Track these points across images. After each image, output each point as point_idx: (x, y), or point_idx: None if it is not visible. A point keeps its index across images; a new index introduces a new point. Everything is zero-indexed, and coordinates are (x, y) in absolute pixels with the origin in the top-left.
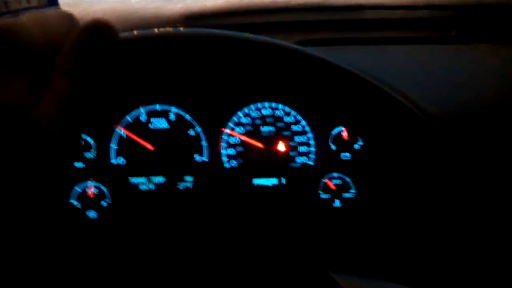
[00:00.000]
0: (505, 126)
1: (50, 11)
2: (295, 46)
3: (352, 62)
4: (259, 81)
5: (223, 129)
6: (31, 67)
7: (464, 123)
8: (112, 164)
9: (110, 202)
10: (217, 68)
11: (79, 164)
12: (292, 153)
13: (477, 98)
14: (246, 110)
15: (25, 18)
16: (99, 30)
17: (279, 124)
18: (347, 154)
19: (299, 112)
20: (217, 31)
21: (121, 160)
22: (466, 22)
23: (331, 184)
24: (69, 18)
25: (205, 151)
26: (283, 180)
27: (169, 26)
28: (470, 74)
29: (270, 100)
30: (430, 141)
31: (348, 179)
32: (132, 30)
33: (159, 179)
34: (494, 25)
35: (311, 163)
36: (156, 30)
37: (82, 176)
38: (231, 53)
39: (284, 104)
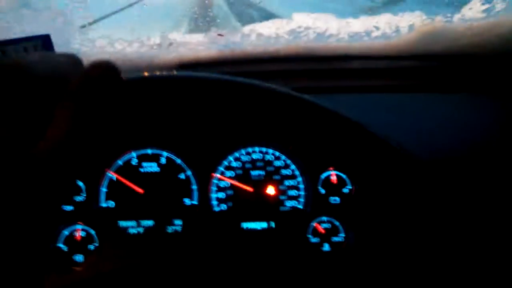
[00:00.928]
0: (486, 169)
1: (58, 54)
2: (284, 89)
3: (338, 109)
4: (250, 125)
5: (213, 173)
6: (35, 105)
7: (448, 167)
8: (101, 207)
9: (97, 245)
10: (208, 113)
11: (68, 207)
12: (281, 197)
13: (460, 144)
14: (236, 154)
15: (34, 57)
16: (104, 72)
17: (269, 168)
18: (336, 198)
19: (288, 157)
20: (208, 74)
21: (110, 203)
22: (448, 72)
23: (320, 228)
24: (76, 60)
25: (195, 195)
26: (273, 224)
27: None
28: (451, 121)
29: (260, 144)
30: (417, 184)
31: (337, 223)
32: (128, 76)
33: (148, 222)
34: (474, 74)
35: (300, 206)
36: (145, 73)
37: (71, 219)
38: (223, 97)
39: (275, 148)
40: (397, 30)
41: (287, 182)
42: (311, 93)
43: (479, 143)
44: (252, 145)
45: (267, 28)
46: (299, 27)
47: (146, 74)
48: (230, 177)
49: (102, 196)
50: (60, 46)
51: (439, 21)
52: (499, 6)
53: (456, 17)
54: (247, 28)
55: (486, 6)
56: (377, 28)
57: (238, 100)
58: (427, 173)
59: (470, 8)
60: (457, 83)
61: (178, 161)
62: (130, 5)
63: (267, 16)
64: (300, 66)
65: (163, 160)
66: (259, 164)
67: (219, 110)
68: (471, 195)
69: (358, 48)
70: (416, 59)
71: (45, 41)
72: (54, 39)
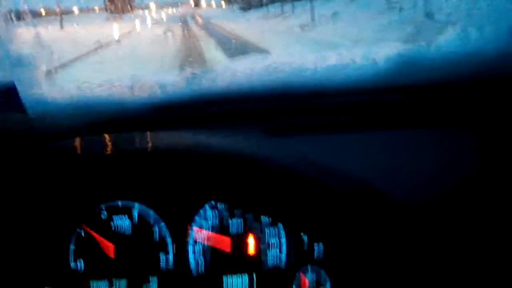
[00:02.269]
0: (470, 210)
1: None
2: (257, 157)
3: (318, 152)
4: (226, 185)
5: (189, 225)
6: None
7: (431, 209)
8: (70, 268)
9: None
10: (178, 166)
11: (34, 270)
12: (262, 247)
13: (444, 183)
14: (212, 202)
15: None
16: None
17: (248, 216)
18: (321, 246)
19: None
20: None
21: (80, 263)
22: (426, 104)
23: (305, 279)
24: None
25: (171, 250)
26: (255, 277)
27: (136, 117)
28: (433, 158)
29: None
30: (398, 229)
31: (322, 273)
32: (98, 120)
33: (122, 282)
34: (453, 107)
35: (283, 257)
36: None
37: (37, 283)
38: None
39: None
40: (374, 63)
41: (268, 230)
42: (288, 131)
43: (464, 182)
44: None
45: (242, 65)
46: (275, 62)
47: (107, 136)
48: (207, 229)
49: (71, 256)
50: (24, 92)
51: (416, 52)
52: (474, 35)
53: (433, 47)
54: (222, 66)
55: (462, 36)
56: (354, 61)
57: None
58: (409, 217)
59: (446, 39)
60: (436, 116)
61: (152, 213)
62: (98, 48)
63: (242, 51)
64: (275, 104)
65: (135, 213)
66: (237, 212)
67: (189, 167)
68: (453, 237)
69: (334, 82)
70: (394, 91)
71: (8, 89)
72: (18, 85)
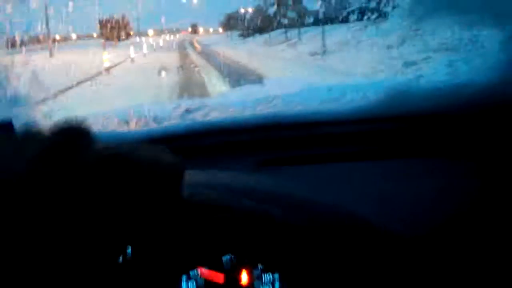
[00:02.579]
0: (467, 242)
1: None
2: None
3: (312, 185)
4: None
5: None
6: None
7: (430, 242)
8: None
9: None
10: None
11: None
12: (256, 284)
13: (437, 217)
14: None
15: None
16: None
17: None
18: None
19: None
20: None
21: None
22: (416, 134)
23: None
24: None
25: None
26: None
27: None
28: (429, 190)
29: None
30: (398, 262)
31: None
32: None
33: None
34: (444, 137)
35: None
36: None
37: None
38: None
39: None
40: (365, 94)
41: (261, 266)
42: (282, 163)
43: (458, 213)
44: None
45: (235, 98)
46: (268, 94)
47: None
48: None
49: None
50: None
51: (405, 83)
52: (463, 68)
53: (422, 79)
54: (216, 98)
55: (450, 68)
56: (344, 94)
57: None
58: (405, 250)
59: (434, 72)
60: (429, 147)
61: None
62: (88, 78)
63: (242, 81)
64: (269, 135)
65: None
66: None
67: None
68: (451, 269)
69: (326, 113)
70: (385, 121)
71: (5, 125)
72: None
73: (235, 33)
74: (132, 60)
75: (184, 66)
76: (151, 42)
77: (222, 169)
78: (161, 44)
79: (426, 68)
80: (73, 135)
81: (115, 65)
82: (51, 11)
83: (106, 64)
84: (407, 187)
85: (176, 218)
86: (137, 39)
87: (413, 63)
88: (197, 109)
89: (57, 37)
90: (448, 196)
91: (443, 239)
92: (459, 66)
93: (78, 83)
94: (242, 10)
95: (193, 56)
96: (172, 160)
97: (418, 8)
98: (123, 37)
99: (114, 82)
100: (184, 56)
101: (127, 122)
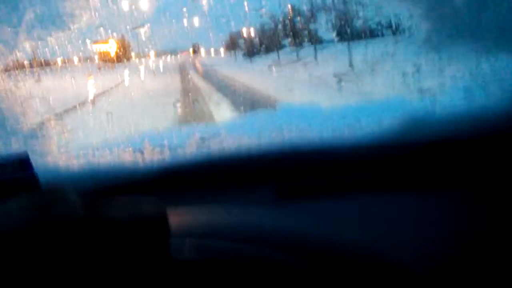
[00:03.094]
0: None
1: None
2: None
3: (331, 219)
4: None
5: None
6: None
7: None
8: None
9: None
10: None
11: None
12: None
13: (459, 250)
14: None
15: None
16: None
17: None
18: None
19: None
20: None
21: None
22: (433, 162)
23: None
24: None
25: None
26: None
27: (143, 181)
28: (445, 224)
29: None
30: None
31: None
32: (106, 185)
33: None
34: (462, 165)
35: None
36: None
37: None
38: None
39: None
40: (380, 120)
41: None
42: (297, 193)
43: (474, 248)
44: None
45: (249, 125)
46: (281, 122)
47: None
48: None
49: None
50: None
51: (421, 109)
52: (479, 93)
53: (439, 106)
54: (229, 127)
55: (466, 94)
56: (359, 121)
57: None
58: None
59: (452, 99)
60: (443, 178)
61: None
62: (81, 104)
63: (247, 110)
64: (284, 164)
65: None
66: None
67: None
68: None
69: (340, 141)
70: (400, 149)
71: (22, 158)
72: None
73: (240, 53)
74: (126, 84)
75: (186, 91)
76: (151, 65)
77: (238, 200)
78: (160, 66)
79: (442, 95)
80: (56, 199)
81: (108, 91)
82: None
83: (94, 91)
84: (425, 221)
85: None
86: (136, 61)
87: (429, 89)
88: (211, 136)
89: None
90: (465, 230)
91: (452, 276)
92: (475, 92)
93: (57, 114)
94: (247, 28)
95: (196, 79)
96: (153, 214)
97: (434, 35)
98: (123, 60)
99: (99, 112)
100: (186, 79)
101: (141, 152)
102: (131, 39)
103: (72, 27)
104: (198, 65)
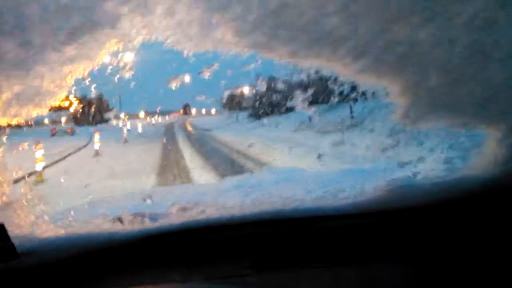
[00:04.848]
0: None
1: None
2: None
3: None
4: None
5: None
6: None
7: None
8: None
9: None
10: None
11: None
12: None
13: None
14: None
15: None
16: None
17: None
18: None
19: None
20: None
21: None
22: (418, 229)
23: None
24: None
25: None
26: None
27: (124, 249)
28: None
29: None
30: None
31: None
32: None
33: None
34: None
35: None
36: None
37: None
38: None
39: None
40: (363, 191)
41: None
42: (276, 265)
43: None
44: None
45: (232, 195)
46: (265, 193)
47: None
48: None
49: None
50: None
51: (404, 180)
52: (459, 163)
53: (420, 175)
54: (212, 196)
55: (447, 164)
56: (343, 191)
57: None
58: None
59: (433, 169)
60: (430, 243)
61: None
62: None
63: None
64: (265, 233)
65: None
66: None
67: None
68: None
69: (323, 209)
70: (384, 216)
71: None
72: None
73: (242, 115)
74: (97, 152)
75: (168, 168)
76: (129, 127)
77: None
78: (139, 130)
79: (422, 167)
80: None
81: (52, 164)
82: None
83: (41, 164)
84: None
85: None
86: (114, 122)
87: (408, 163)
88: (193, 207)
89: None
90: None
91: None
92: (456, 163)
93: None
94: (245, 88)
95: (184, 149)
96: None
97: (413, 110)
98: (98, 121)
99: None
100: (170, 149)
101: (120, 220)
102: (111, 97)
103: None
104: (189, 127)
